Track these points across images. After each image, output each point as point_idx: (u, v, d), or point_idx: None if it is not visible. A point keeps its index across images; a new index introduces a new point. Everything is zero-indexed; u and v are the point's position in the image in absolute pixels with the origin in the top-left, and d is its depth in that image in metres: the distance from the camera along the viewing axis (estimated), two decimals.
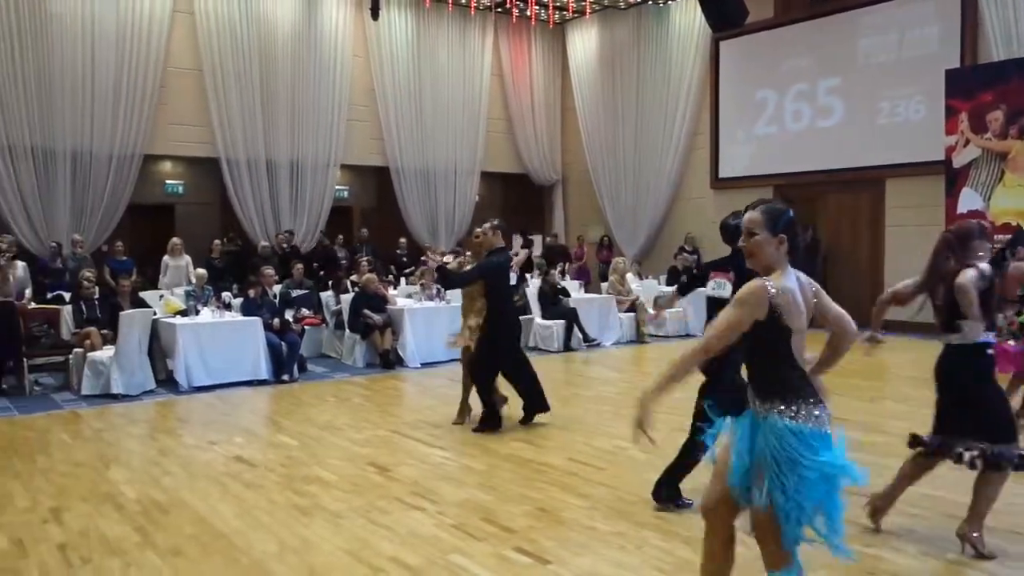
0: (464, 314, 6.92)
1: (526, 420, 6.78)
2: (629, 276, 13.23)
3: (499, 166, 17.72)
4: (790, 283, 2.71)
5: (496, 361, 6.62)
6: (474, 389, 6.84)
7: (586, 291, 13.56)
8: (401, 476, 5.42)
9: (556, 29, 18.11)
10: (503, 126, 17.67)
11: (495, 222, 6.73)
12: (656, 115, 16.21)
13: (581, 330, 11.49)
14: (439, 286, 11.33)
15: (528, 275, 12.97)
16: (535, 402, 6.76)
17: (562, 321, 11.40)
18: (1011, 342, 6.29)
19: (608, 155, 17.20)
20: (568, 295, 11.92)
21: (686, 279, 5.23)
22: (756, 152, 14.82)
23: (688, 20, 15.58)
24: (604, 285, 13.08)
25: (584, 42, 17.63)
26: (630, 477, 5.28)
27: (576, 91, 17.78)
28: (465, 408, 6.97)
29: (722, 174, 15.39)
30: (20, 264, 9.78)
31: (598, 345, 11.67)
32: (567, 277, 13.84)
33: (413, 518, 4.57)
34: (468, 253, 6.73)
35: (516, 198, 18.60)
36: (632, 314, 12.38)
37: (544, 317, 11.59)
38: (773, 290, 2.66)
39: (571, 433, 6.58)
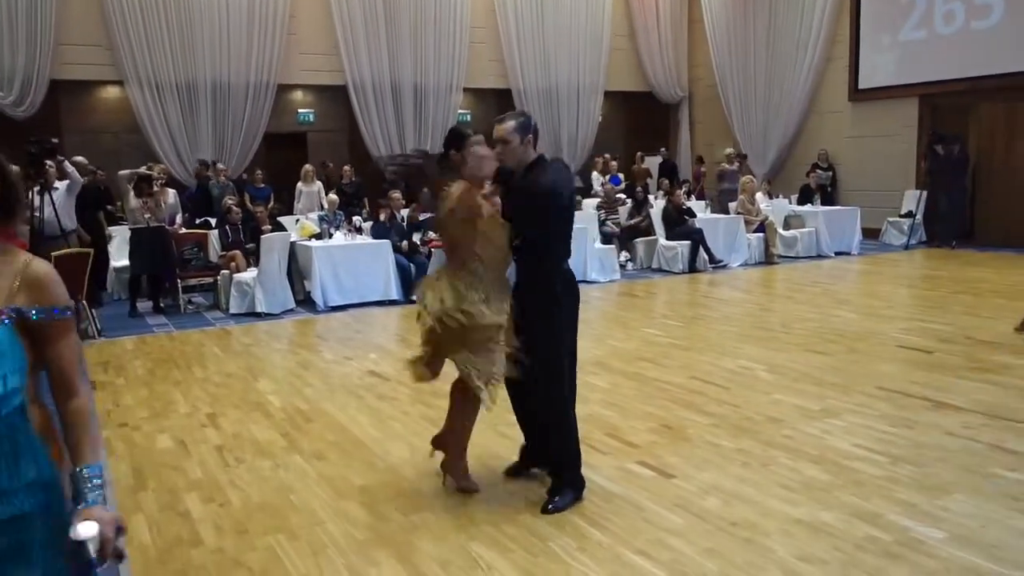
0: (441, 291, 3.61)
1: (521, 469, 4.08)
2: (759, 196, 12.77)
3: (622, 85, 17.29)
4: None
5: (561, 353, 3.70)
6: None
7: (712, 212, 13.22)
8: None
9: None
10: (626, 43, 17.19)
11: (519, 119, 3.59)
12: (791, 23, 15.27)
13: (707, 251, 11.25)
14: None
15: (651, 196, 12.74)
16: (543, 444, 3.92)
17: (687, 242, 11.19)
18: None
19: (737, 69, 16.43)
20: (694, 215, 11.64)
21: None
22: (901, 59, 13.76)
23: None
24: (732, 205, 12.69)
25: None
26: (756, 397, 5.22)
27: (704, 1, 16.96)
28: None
29: (862, 85, 14.42)
30: (171, 192, 10.41)
31: (724, 266, 11.42)
32: (692, 197, 13.50)
33: None
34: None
35: (640, 117, 18.11)
36: (761, 235, 12.00)
37: (668, 238, 11.41)
38: None
39: (695, 353, 6.54)
